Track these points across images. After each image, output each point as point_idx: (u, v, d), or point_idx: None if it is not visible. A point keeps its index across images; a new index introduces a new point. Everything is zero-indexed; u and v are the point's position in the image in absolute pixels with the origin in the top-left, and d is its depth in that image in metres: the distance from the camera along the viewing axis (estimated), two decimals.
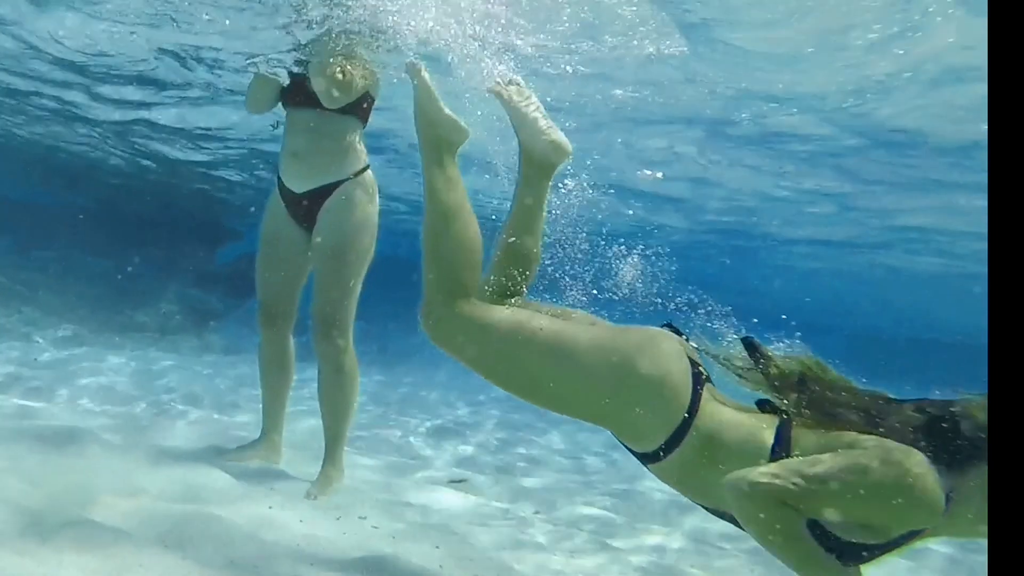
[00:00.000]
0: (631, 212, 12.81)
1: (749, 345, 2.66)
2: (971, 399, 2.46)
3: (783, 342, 2.70)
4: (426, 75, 2.94)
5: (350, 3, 4.55)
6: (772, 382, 2.61)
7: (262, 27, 5.81)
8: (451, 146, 2.92)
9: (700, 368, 2.69)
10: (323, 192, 4.35)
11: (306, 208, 4.40)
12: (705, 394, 2.62)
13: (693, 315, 2.83)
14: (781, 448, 2.49)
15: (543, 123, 2.89)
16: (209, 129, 11.32)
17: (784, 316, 2.96)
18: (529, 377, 2.72)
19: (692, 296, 2.82)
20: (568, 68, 5.94)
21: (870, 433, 2.44)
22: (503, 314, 2.74)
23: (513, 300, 2.89)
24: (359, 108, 4.40)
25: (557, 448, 7.13)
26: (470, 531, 4.01)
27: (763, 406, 2.66)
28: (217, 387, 8.27)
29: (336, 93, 4.18)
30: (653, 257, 3.00)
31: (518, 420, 8.16)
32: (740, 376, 2.65)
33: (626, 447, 2.76)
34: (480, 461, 6.19)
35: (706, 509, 2.71)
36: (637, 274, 3.02)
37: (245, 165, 13.72)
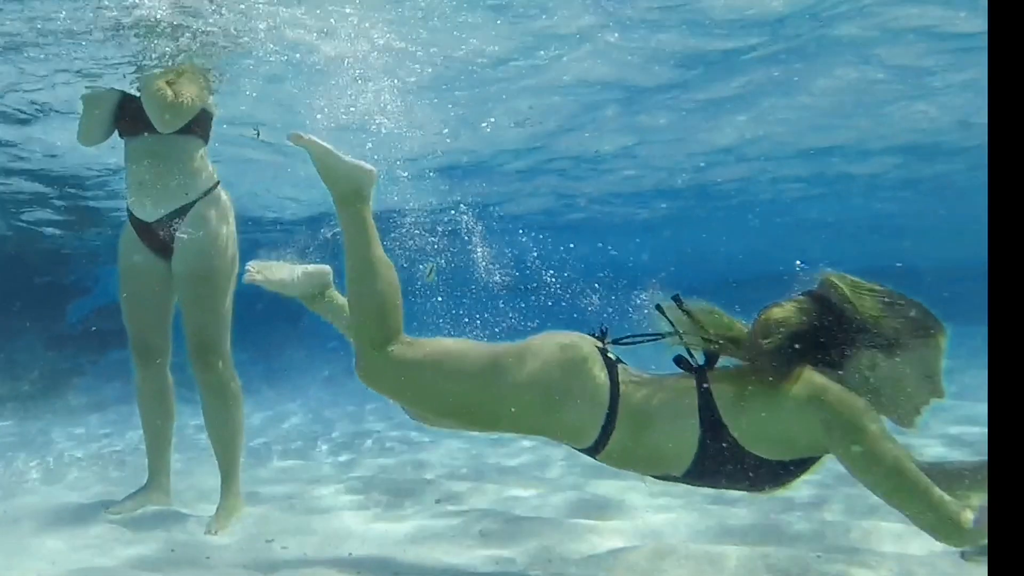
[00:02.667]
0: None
1: (679, 302, 2.80)
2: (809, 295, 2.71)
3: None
4: (310, 137, 2.94)
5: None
6: (705, 336, 2.74)
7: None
8: (362, 195, 2.95)
9: (608, 352, 2.86)
10: (175, 217, 4.26)
11: (161, 236, 4.29)
12: (620, 375, 2.77)
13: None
14: (705, 407, 2.64)
15: (294, 271, 3.18)
16: (47, 180, 10.82)
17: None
18: (463, 403, 2.83)
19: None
20: None
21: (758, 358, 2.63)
22: (428, 347, 2.84)
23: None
24: (198, 126, 4.30)
25: (446, 452, 7.07)
26: (375, 535, 3.98)
27: (680, 364, 2.82)
28: (90, 443, 7.93)
29: (168, 116, 4.09)
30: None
31: (408, 435, 8.12)
32: (678, 340, 2.77)
33: (570, 446, 2.88)
34: (379, 478, 6.11)
35: (655, 477, 2.85)
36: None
37: (86, 215, 13.18)
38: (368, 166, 2.97)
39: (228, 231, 4.32)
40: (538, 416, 2.77)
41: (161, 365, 4.51)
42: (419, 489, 4.94)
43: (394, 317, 2.85)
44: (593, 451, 2.80)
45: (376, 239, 2.92)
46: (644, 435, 2.71)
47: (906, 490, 2.45)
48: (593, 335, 2.93)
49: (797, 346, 2.61)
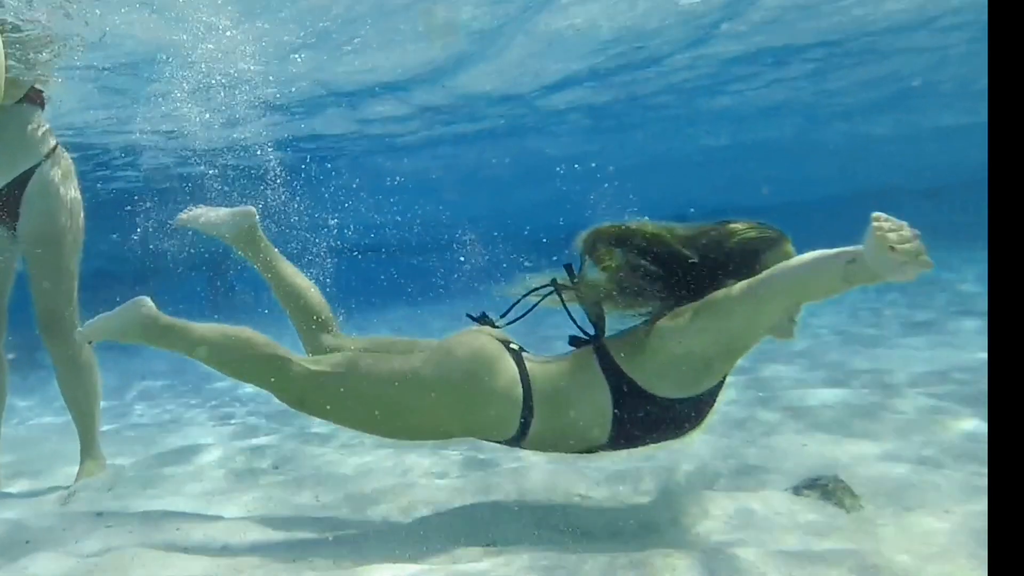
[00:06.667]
0: None
1: (570, 272, 2.98)
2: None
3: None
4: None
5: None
6: (615, 293, 2.88)
7: None
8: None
9: (512, 344, 2.98)
10: (20, 183, 4.24)
11: (6, 204, 4.27)
12: (528, 365, 2.89)
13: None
14: (608, 369, 2.79)
15: (220, 211, 3.47)
16: None
17: None
18: (388, 414, 2.88)
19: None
20: None
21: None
22: (345, 361, 2.94)
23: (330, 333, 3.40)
24: (33, 94, 4.36)
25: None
26: (214, 503, 3.90)
27: (575, 343, 2.99)
28: None
29: (5, 87, 4.12)
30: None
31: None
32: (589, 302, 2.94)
33: (493, 441, 2.96)
34: (214, 443, 5.96)
35: (583, 453, 2.95)
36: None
37: None
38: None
39: (72, 192, 4.36)
40: (463, 419, 2.86)
41: None
42: (255, 459, 4.87)
43: (288, 357, 2.96)
44: (518, 440, 2.90)
45: (211, 329, 3.06)
46: (561, 414, 2.82)
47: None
48: (476, 318, 3.10)
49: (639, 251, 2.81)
